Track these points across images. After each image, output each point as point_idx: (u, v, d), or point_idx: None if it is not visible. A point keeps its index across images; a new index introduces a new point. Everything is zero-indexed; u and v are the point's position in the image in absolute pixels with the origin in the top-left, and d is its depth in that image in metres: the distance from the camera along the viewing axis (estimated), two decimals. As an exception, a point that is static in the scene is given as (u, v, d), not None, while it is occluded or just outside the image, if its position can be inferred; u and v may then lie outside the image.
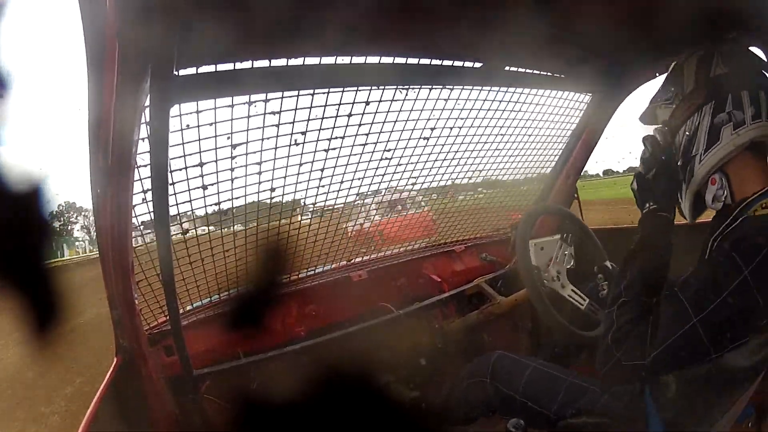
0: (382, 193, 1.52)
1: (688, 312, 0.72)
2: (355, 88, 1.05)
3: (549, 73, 1.32)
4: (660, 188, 0.85)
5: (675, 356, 0.73)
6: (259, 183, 1.09)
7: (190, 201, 1.02)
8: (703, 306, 0.71)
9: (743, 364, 0.75)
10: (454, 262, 1.72)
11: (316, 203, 1.33)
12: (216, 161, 0.98)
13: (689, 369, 0.77)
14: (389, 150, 1.26)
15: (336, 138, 1.12)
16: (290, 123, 1.02)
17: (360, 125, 1.13)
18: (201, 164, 0.97)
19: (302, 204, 1.29)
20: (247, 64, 0.87)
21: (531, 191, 1.77)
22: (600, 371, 0.80)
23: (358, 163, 1.23)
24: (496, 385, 1.05)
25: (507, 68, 1.24)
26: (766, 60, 0.91)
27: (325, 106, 1.03)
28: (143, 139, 0.83)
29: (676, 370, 0.77)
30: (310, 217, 1.35)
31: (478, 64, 1.16)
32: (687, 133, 0.86)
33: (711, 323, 0.70)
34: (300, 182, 1.17)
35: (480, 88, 1.26)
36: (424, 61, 1.07)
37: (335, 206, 1.36)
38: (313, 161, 1.14)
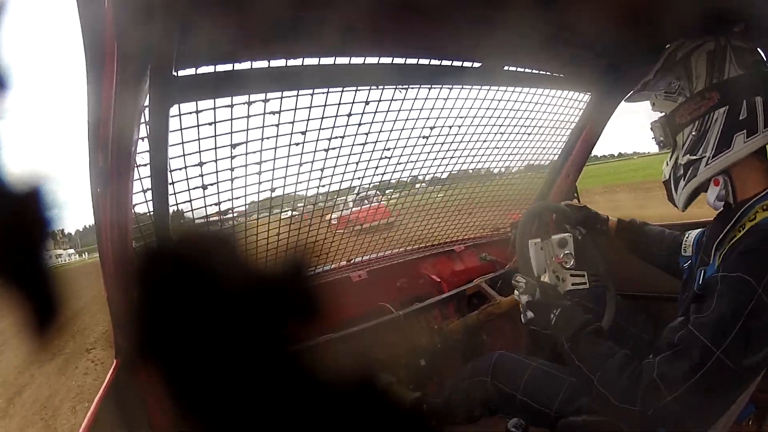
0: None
1: (707, 346, 0.71)
2: (355, 88, 1.05)
3: (548, 73, 1.32)
4: (543, 304, 0.95)
5: (705, 390, 0.72)
6: (259, 183, 1.09)
7: (190, 201, 1.02)
8: (723, 338, 0.70)
9: (744, 363, 0.75)
10: (454, 262, 1.72)
11: (316, 203, 1.33)
12: (216, 161, 0.98)
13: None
14: (389, 149, 1.26)
15: (336, 138, 1.12)
16: (290, 123, 1.02)
17: (359, 125, 1.14)
18: (201, 164, 0.97)
19: (302, 204, 1.29)
20: (246, 65, 0.87)
21: (531, 190, 1.77)
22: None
23: (357, 162, 1.23)
24: (497, 384, 1.05)
25: (506, 68, 1.24)
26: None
27: (325, 106, 1.03)
28: (143, 139, 0.83)
29: (708, 402, 0.75)
30: (310, 217, 1.34)
31: (477, 64, 1.16)
32: (694, 133, 0.84)
33: (733, 349, 0.70)
34: (300, 182, 1.17)
35: (479, 87, 1.26)
36: (424, 60, 1.07)
37: (335, 206, 1.36)
38: (313, 161, 1.14)
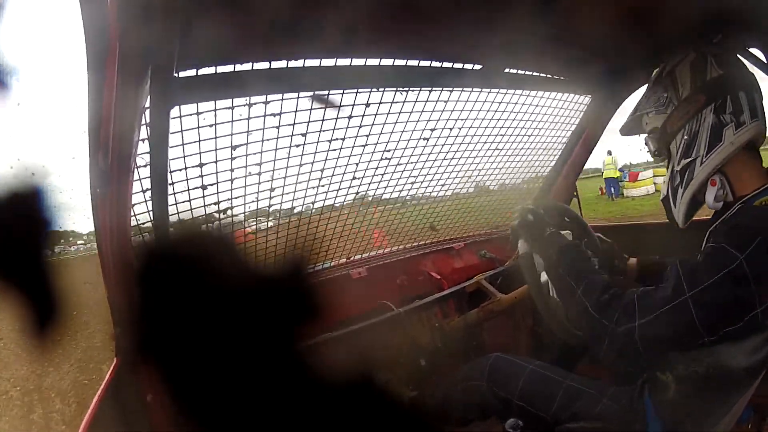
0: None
1: (682, 285, 0.72)
2: (356, 90, 1.05)
3: (549, 75, 1.33)
4: (534, 224, 1.01)
5: (666, 327, 0.73)
6: (259, 183, 1.09)
7: (190, 202, 1.02)
8: (696, 283, 0.72)
9: (742, 365, 0.75)
10: (454, 259, 1.72)
11: (315, 204, 1.33)
12: (216, 162, 0.99)
13: (686, 365, 0.78)
14: (389, 151, 1.26)
15: (336, 140, 1.12)
16: (290, 125, 1.02)
17: (360, 127, 1.14)
18: (201, 165, 0.97)
19: (302, 204, 1.29)
20: (247, 66, 0.87)
21: (530, 191, 1.77)
22: (599, 351, 0.80)
23: (357, 164, 1.23)
24: (493, 389, 1.04)
25: (507, 70, 1.24)
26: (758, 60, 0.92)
27: (326, 107, 1.04)
28: (143, 140, 0.83)
29: (666, 348, 0.77)
30: (309, 217, 1.35)
31: (478, 66, 1.16)
32: (685, 137, 0.86)
33: (703, 303, 0.71)
34: (300, 182, 1.17)
35: (480, 90, 1.26)
36: (425, 63, 1.07)
37: (334, 206, 1.37)
38: (313, 162, 1.14)
